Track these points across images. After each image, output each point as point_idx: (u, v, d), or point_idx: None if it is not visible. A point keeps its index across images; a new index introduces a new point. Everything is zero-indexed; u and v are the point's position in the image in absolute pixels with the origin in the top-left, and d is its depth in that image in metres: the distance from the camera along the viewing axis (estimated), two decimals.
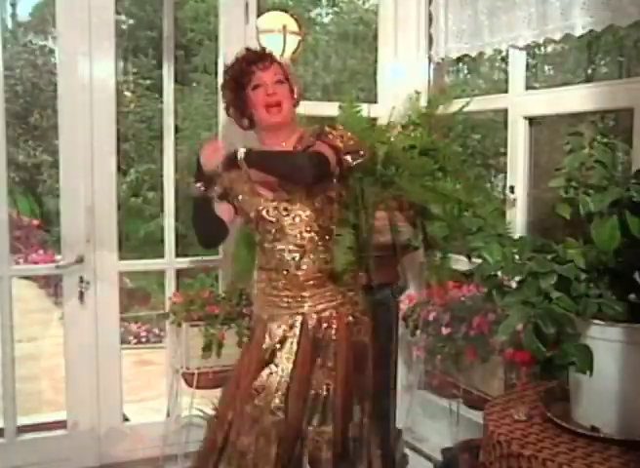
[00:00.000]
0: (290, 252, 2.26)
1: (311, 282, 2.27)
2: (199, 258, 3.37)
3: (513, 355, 2.41)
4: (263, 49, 2.41)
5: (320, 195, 2.27)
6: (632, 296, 1.61)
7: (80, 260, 3.04)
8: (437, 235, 2.75)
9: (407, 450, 3.21)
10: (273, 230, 2.28)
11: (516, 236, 2.64)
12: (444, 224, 2.74)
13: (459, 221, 2.73)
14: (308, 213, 2.26)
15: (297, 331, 2.26)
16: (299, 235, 2.26)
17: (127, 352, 5.53)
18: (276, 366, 2.25)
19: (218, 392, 3.30)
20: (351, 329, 2.30)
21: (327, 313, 2.28)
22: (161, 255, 3.37)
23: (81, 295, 3.06)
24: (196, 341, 3.01)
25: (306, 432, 2.21)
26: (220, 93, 2.44)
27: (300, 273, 2.27)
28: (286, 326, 2.27)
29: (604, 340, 1.58)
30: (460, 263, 2.90)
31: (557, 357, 1.53)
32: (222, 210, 2.39)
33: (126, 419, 3.36)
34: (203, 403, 3.30)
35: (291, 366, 2.24)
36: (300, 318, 2.27)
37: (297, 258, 2.26)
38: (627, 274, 1.62)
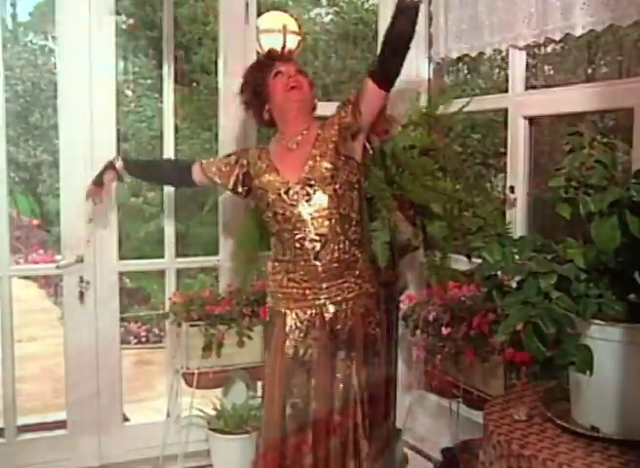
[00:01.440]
0: (311, 241, 2.26)
1: (329, 273, 2.28)
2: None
3: (513, 355, 2.41)
4: (284, 48, 2.55)
5: (342, 179, 2.27)
6: (632, 296, 1.61)
7: (80, 260, 3.04)
8: (437, 235, 2.75)
9: (406, 450, 3.21)
10: (293, 218, 2.27)
11: (516, 236, 2.65)
12: (444, 224, 2.74)
13: (459, 221, 2.73)
14: (330, 198, 2.26)
15: (315, 322, 2.28)
16: (319, 223, 2.26)
17: (127, 352, 5.53)
18: (299, 362, 2.28)
19: (218, 392, 3.32)
20: (364, 320, 2.32)
21: (343, 305, 2.30)
22: (161, 255, 3.37)
23: (81, 295, 3.06)
24: (196, 341, 3.01)
25: (340, 423, 2.25)
26: (240, 91, 2.49)
27: (318, 263, 2.27)
28: (304, 318, 2.29)
29: (604, 340, 1.57)
30: (460, 263, 2.90)
31: (557, 357, 1.53)
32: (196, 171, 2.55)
33: (126, 419, 3.36)
34: (203, 403, 3.30)
35: (315, 359, 2.27)
36: (317, 309, 2.29)
37: (317, 248, 2.26)
38: (627, 274, 1.62)
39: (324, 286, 2.29)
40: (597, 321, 1.58)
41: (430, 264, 2.86)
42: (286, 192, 2.29)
